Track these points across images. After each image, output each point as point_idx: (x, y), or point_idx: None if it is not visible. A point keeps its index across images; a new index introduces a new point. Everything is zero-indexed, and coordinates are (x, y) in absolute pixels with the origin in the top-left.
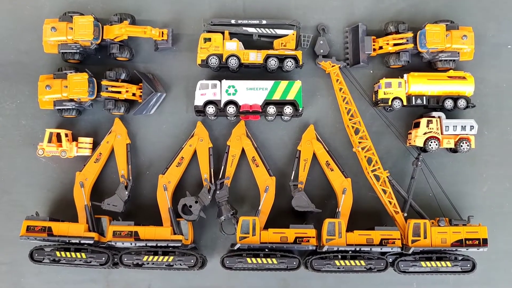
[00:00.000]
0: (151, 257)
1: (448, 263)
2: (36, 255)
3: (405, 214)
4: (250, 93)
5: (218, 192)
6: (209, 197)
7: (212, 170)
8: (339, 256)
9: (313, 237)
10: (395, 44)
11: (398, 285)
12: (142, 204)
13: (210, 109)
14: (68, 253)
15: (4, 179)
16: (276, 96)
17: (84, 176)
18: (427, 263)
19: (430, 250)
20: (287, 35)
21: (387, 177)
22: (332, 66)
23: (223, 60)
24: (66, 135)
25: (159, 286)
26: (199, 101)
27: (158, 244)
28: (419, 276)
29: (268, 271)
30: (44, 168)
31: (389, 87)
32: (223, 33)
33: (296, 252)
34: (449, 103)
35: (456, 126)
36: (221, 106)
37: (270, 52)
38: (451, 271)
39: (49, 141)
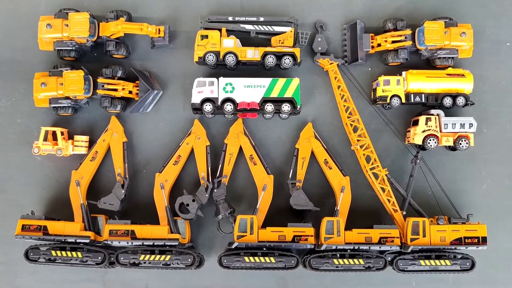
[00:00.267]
0: (147, 256)
1: (447, 261)
2: (32, 254)
3: (404, 213)
4: (248, 90)
5: (215, 190)
6: (207, 195)
7: (209, 168)
8: (338, 255)
9: (312, 236)
10: (393, 41)
11: (397, 284)
12: (138, 202)
13: (208, 107)
14: (64, 252)
15: None
16: (274, 94)
17: (80, 175)
18: (426, 261)
19: (429, 249)
20: (285, 32)
21: (385, 175)
22: (330, 64)
23: (221, 58)
24: (62, 133)
25: (156, 285)
26: (196, 98)
27: (155, 243)
28: (418, 274)
29: (266, 270)
30: (40, 167)
31: (388, 84)
32: (220, 30)
33: (294, 251)
34: (448, 101)
35: (455, 124)
36: (219, 103)
37: (268, 49)
38: (450, 269)
39: (45, 139)
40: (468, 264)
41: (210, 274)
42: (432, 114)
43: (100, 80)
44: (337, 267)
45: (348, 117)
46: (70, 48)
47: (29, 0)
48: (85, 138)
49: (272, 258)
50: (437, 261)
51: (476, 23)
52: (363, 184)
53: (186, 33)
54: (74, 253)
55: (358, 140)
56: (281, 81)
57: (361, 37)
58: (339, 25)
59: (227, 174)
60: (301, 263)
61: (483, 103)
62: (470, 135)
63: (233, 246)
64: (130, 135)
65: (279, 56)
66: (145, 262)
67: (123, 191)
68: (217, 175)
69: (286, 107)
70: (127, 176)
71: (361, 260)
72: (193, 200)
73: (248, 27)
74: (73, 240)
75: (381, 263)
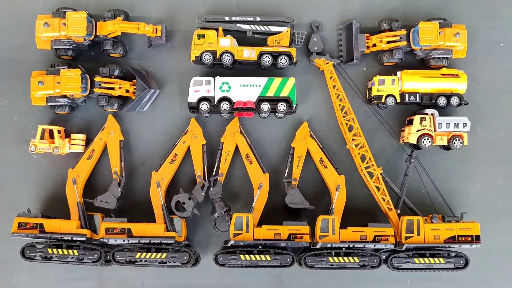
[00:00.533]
0: (144, 254)
1: (441, 259)
2: (28, 252)
3: (399, 211)
4: (244, 90)
5: (211, 189)
6: (203, 194)
7: (205, 167)
8: (333, 253)
9: (307, 234)
10: (388, 42)
11: (392, 282)
12: (135, 201)
13: (204, 106)
14: (60, 250)
15: None
16: (270, 93)
17: (76, 173)
18: (420, 259)
19: (423, 247)
20: (281, 32)
21: (380, 174)
22: (326, 63)
23: (217, 57)
24: (59, 132)
25: (152, 283)
26: (193, 97)
27: (151, 241)
28: (413, 272)
29: (262, 268)
30: (37, 165)
31: (383, 84)
32: (217, 29)
33: (290, 249)
34: (442, 101)
35: (449, 123)
36: (215, 102)
37: (264, 49)
38: (444, 267)
39: (42, 137)
40: (462, 262)
41: (206, 272)
42: (427, 114)
43: (97, 79)
44: (332, 265)
45: (344, 117)
46: (68, 47)
47: None
48: (82, 136)
49: (267, 256)
50: (431, 259)
51: (470, 24)
52: (358, 183)
53: (183, 32)
54: (70, 251)
55: (353, 139)
56: (277, 81)
57: (357, 37)
58: (335, 25)
59: (223, 172)
60: (296, 261)
61: (477, 103)
62: (464, 135)
63: (229, 244)
64: (127, 133)
65: (275, 55)
66: (141, 260)
67: (119, 189)
68: (213, 173)
69: (282, 106)
70: (123, 175)
71: (356, 258)
72: (189, 199)
73: (245, 26)
74: (70, 238)
75: (375, 261)
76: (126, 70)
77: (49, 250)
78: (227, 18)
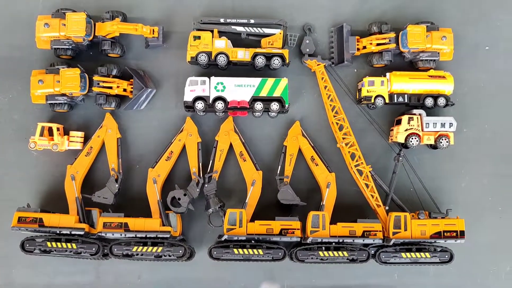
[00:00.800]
0: (140, 247)
1: (427, 254)
2: (28, 245)
3: (387, 208)
4: (238, 89)
5: (206, 185)
6: (198, 190)
7: (200, 164)
8: (323, 248)
9: (298, 229)
10: (378, 44)
11: (380, 276)
12: (132, 197)
13: (199, 105)
14: (59, 244)
15: None
16: (263, 93)
17: (75, 169)
18: (407, 254)
19: (410, 242)
20: (274, 34)
21: (369, 172)
22: (318, 65)
23: (212, 58)
24: (58, 129)
25: (148, 277)
26: (188, 97)
27: (148, 235)
28: (400, 267)
29: (254, 262)
30: (36, 162)
31: (372, 85)
32: (212, 31)
33: (282, 244)
34: (429, 101)
35: (436, 123)
36: (210, 102)
37: (258, 50)
38: (430, 262)
39: (41, 135)
40: (447, 256)
41: (200, 267)
42: (414, 114)
43: (96, 78)
44: (322, 259)
45: (334, 116)
46: (67, 47)
47: (27, 0)
48: (81, 134)
49: (260, 250)
50: (417, 254)
51: (456, 28)
52: (348, 180)
53: (179, 33)
54: (69, 244)
55: (343, 138)
56: (270, 81)
57: (347, 40)
58: (326, 28)
59: (218, 169)
60: (288, 255)
61: (463, 104)
62: (450, 134)
63: (223, 239)
64: (124, 131)
65: (268, 57)
66: (138, 254)
67: (116, 185)
68: (208, 170)
69: (274, 106)
70: (120, 171)
71: (345, 253)
72: (185, 195)
73: (239, 29)
74: (68, 232)
75: (364, 255)
76: (123, 70)
77: (48, 244)
78: (222, 20)
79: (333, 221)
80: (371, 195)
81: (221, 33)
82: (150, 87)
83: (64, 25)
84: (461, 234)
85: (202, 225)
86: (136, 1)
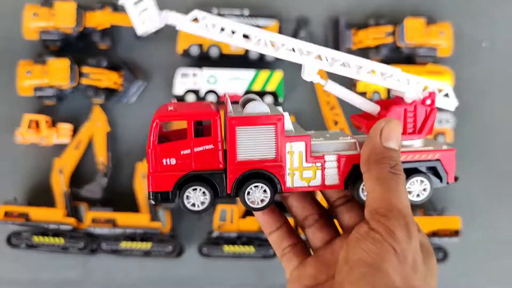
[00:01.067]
0: (129, 243)
1: None
2: (14, 239)
3: None
4: (231, 82)
5: None
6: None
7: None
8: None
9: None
10: (375, 38)
11: None
12: (120, 191)
13: (191, 97)
14: (46, 238)
15: None
16: (257, 86)
17: (63, 163)
18: None
19: None
20: (269, 26)
21: None
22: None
23: (205, 50)
24: (46, 122)
25: (136, 274)
26: (179, 89)
27: (137, 231)
28: None
29: (245, 260)
30: (22, 155)
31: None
32: None
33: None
34: None
35: None
36: (202, 94)
37: None
38: None
39: (28, 127)
40: (441, 254)
41: (190, 265)
42: None
43: (85, 69)
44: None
45: (330, 111)
46: (56, 37)
47: None
48: (69, 126)
49: (251, 247)
50: None
51: (454, 23)
52: None
53: (170, 25)
54: (56, 238)
55: None
56: (265, 74)
57: (343, 33)
58: (322, 20)
59: None
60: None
61: (460, 100)
62: (448, 131)
63: (214, 235)
64: (114, 125)
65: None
66: (126, 250)
67: (105, 179)
68: None
69: (268, 99)
70: (109, 165)
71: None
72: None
73: (233, 20)
74: (56, 227)
75: None
76: (113, 62)
77: (35, 238)
78: (215, 11)
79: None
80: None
81: None
82: (140, 79)
83: (54, 15)
84: (456, 232)
85: (192, 223)
86: None
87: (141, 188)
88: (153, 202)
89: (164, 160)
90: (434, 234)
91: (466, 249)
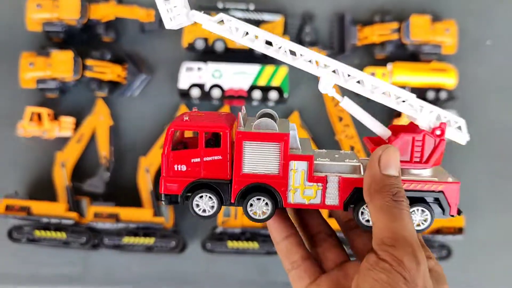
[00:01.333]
0: (132, 238)
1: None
2: (16, 234)
3: None
4: (236, 77)
5: None
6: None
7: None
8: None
9: None
10: (380, 34)
11: None
12: (123, 186)
13: (195, 92)
14: (48, 232)
15: None
16: (262, 81)
17: (65, 156)
18: None
19: None
20: (274, 21)
21: None
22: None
23: (210, 44)
24: (48, 115)
25: (138, 270)
26: (184, 83)
27: (140, 226)
28: None
29: (248, 256)
30: (24, 148)
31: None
32: (210, 15)
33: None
34: (431, 95)
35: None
36: (207, 89)
37: None
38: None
39: (30, 120)
40: (444, 252)
41: (193, 260)
42: None
43: (89, 62)
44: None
45: (334, 107)
46: (60, 29)
47: None
48: (71, 120)
49: (255, 243)
50: None
51: (459, 20)
52: None
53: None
54: (58, 233)
55: (343, 130)
56: (270, 69)
57: (349, 29)
58: (327, 16)
59: None
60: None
61: (465, 98)
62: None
63: (217, 231)
64: (117, 118)
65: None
66: (129, 245)
67: (107, 173)
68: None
69: (273, 94)
70: (112, 159)
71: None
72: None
73: (238, 14)
74: (58, 221)
75: None
76: (117, 55)
77: (37, 232)
78: (220, 6)
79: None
80: None
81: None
82: (144, 73)
83: (57, 6)
84: (460, 230)
85: (195, 218)
86: None
87: (144, 182)
88: (164, 204)
89: (176, 166)
90: (438, 231)
91: (470, 247)
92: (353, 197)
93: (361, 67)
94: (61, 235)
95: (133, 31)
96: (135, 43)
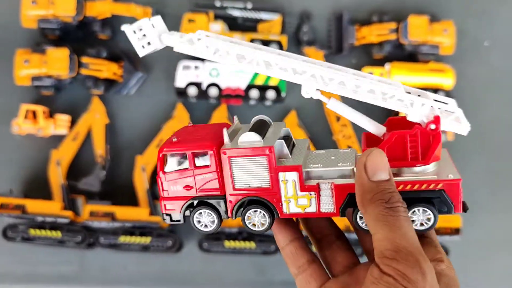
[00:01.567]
0: (128, 237)
1: None
2: (10, 232)
3: None
4: (233, 76)
5: None
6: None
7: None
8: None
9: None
10: (378, 34)
11: None
12: (119, 184)
13: (192, 90)
14: (43, 231)
15: None
16: (260, 80)
17: (60, 155)
18: None
19: None
20: (272, 19)
21: None
22: (316, 53)
23: None
24: (43, 112)
25: (134, 269)
26: (181, 82)
27: (136, 225)
28: None
29: (245, 256)
30: (19, 146)
31: None
32: (207, 14)
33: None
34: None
35: None
36: (204, 88)
37: (255, 36)
38: None
39: (25, 117)
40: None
41: (189, 260)
42: None
43: (85, 59)
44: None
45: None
46: (55, 26)
47: None
48: (67, 117)
49: (252, 243)
50: None
51: (457, 21)
52: None
53: (172, 16)
54: (54, 232)
55: (340, 130)
56: None
57: (347, 29)
58: (325, 15)
59: None
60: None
61: (462, 99)
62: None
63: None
64: (113, 116)
65: (265, 43)
66: (125, 244)
67: (103, 172)
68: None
69: (271, 93)
70: (108, 158)
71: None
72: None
73: (236, 13)
74: (53, 220)
75: None
76: (113, 52)
77: (32, 231)
78: (218, 4)
79: None
80: None
81: (217, 17)
82: (140, 71)
83: (53, 3)
84: (457, 231)
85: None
86: None
87: (140, 181)
88: (166, 222)
89: (171, 187)
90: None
91: (467, 247)
92: (349, 202)
93: (358, 67)
94: (56, 234)
95: None
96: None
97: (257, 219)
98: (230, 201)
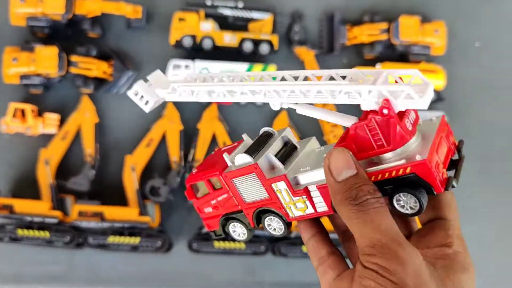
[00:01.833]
0: (117, 237)
1: None
2: None
3: None
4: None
5: (187, 175)
6: (178, 179)
7: (182, 152)
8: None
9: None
10: (369, 34)
11: None
12: (108, 184)
13: None
14: (31, 231)
15: None
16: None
17: (49, 154)
18: None
19: None
20: (263, 19)
21: None
22: (307, 53)
23: (198, 41)
24: (32, 111)
25: (123, 269)
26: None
27: (125, 225)
28: None
29: (235, 257)
30: (7, 145)
31: None
32: (198, 12)
33: (265, 240)
34: None
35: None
36: None
37: (246, 35)
38: None
39: (13, 116)
40: None
41: (178, 260)
42: None
43: (74, 58)
44: (305, 254)
45: (322, 107)
46: (44, 24)
47: None
48: (56, 116)
49: (242, 244)
50: None
51: (448, 22)
52: None
53: (162, 14)
54: (42, 232)
55: (331, 131)
56: (258, 67)
57: (338, 29)
58: (317, 15)
59: (200, 159)
60: (270, 250)
61: (453, 99)
62: None
63: (204, 231)
64: (102, 115)
65: (256, 42)
66: (114, 244)
67: (92, 171)
68: (189, 159)
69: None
70: (97, 157)
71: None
72: (165, 184)
73: (227, 12)
74: (41, 220)
75: None
76: (103, 51)
77: (20, 231)
78: (209, 3)
79: None
80: None
81: (208, 16)
82: (131, 69)
83: (42, 1)
84: None
85: (182, 216)
86: None
87: (130, 181)
88: (213, 238)
89: (205, 209)
90: None
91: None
92: None
93: (349, 67)
94: (45, 234)
95: (119, 27)
96: (121, 40)
97: (275, 225)
98: (247, 214)
